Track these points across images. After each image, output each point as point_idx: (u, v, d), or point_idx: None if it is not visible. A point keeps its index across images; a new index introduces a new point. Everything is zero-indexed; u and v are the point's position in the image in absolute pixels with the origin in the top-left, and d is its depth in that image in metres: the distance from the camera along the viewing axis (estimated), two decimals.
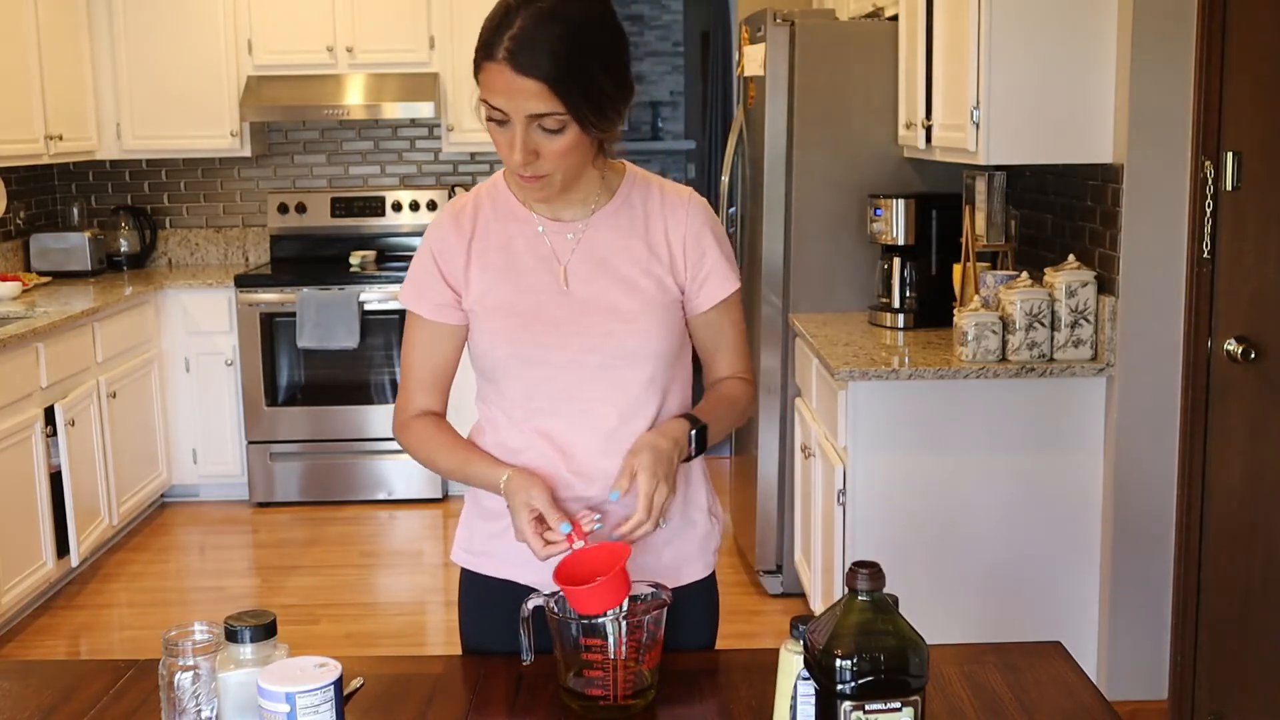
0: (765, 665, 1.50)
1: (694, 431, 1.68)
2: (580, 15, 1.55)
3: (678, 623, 1.69)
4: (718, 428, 1.73)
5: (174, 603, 4.46)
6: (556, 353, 1.68)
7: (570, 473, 1.70)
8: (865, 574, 1.26)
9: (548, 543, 1.58)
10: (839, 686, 1.23)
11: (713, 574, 1.84)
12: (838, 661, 1.23)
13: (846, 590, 1.28)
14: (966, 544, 3.27)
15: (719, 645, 1.86)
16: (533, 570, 1.70)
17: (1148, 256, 3.09)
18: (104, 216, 5.91)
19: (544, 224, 1.72)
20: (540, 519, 1.59)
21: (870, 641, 1.24)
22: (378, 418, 5.41)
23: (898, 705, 1.24)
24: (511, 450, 1.72)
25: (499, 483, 1.65)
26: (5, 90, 4.66)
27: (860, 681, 1.23)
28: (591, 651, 1.51)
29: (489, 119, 1.58)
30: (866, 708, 1.23)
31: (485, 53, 1.54)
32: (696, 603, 1.80)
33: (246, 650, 1.36)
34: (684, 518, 1.79)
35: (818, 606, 3.71)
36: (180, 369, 5.39)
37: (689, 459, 1.68)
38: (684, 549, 1.79)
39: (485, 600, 1.79)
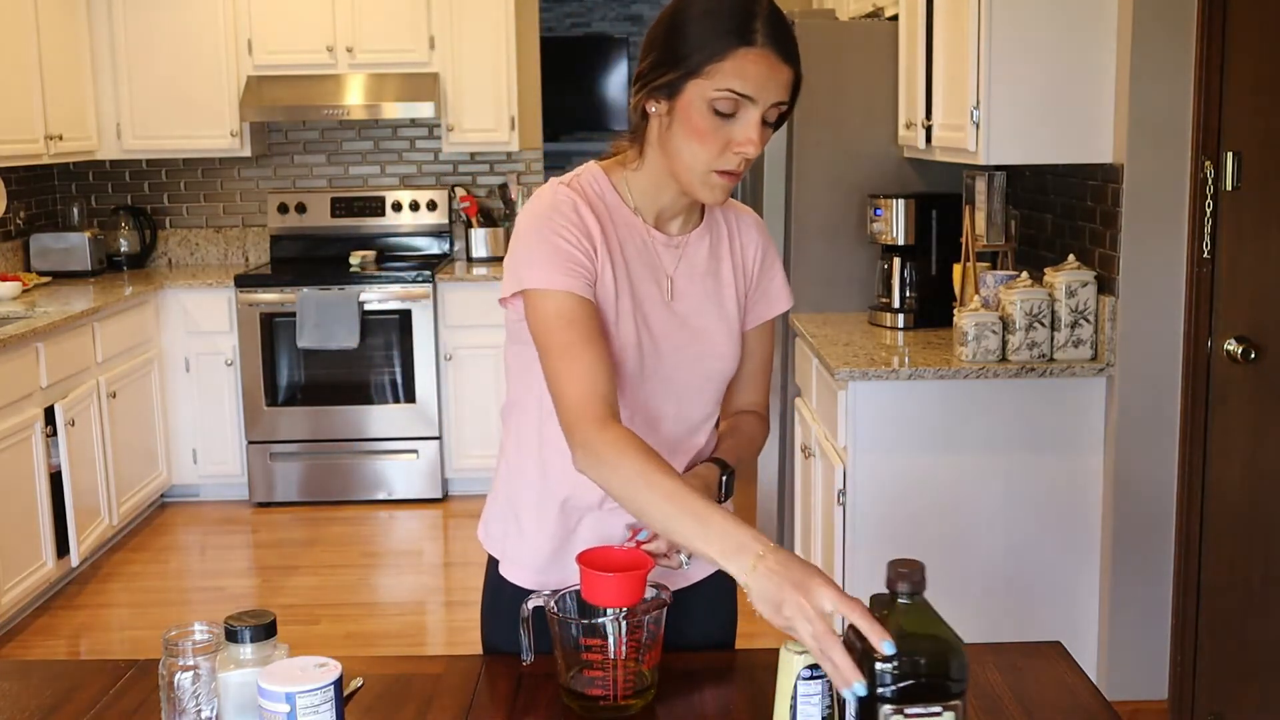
0: (765, 665, 1.50)
1: (724, 477, 1.67)
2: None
3: (707, 614, 1.73)
4: (741, 469, 1.73)
5: (174, 603, 4.46)
6: (650, 365, 1.62)
7: None
8: (906, 574, 1.24)
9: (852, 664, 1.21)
10: (879, 690, 1.21)
11: None
12: (878, 664, 1.21)
13: (887, 591, 1.25)
14: (966, 544, 3.27)
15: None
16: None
17: (1148, 256, 3.09)
18: (104, 216, 5.91)
19: (651, 233, 1.63)
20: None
21: (911, 644, 1.21)
22: (378, 418, 5.42)
23: (938, 709, 1.22)
24: (562, 449, 1.56)
25: (750, 560, 1.30)
26: (5, 90, 4.66)
27: (900, 685, 1.21)
28: (591, 651, 1.50)
29: (715, 108, 1.48)
30: (906, 711, 1.21)
31: (740, 37, 1.46)
32: (723, 591, 1.78)
33: (246, 650, 1.36)
34: None
35: None
36: (180, 369, 5.39)
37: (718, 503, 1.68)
38: None
39: (514, 604, 1.69)
